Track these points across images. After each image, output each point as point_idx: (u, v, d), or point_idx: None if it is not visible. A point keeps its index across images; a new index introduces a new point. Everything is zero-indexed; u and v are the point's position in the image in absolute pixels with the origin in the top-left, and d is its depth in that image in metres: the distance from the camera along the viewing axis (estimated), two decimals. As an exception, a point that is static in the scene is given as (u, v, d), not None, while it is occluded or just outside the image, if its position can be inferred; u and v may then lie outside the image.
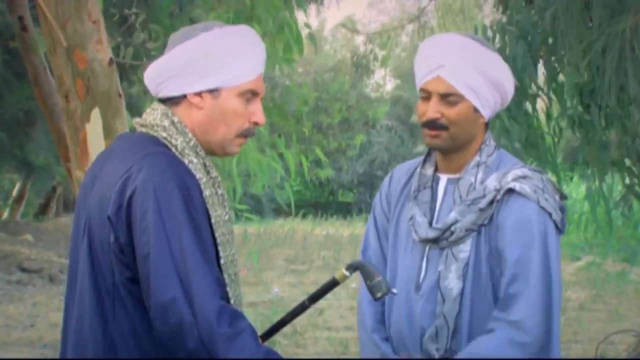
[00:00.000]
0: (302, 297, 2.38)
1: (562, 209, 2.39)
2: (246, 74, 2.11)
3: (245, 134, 2.15)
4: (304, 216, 23.20)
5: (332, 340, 7.90)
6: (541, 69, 5.65)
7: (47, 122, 5.81)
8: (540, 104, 5.86)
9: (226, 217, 2.12)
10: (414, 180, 2.52)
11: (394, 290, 2.25)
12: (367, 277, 2.23)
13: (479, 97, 2.38)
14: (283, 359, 1.98)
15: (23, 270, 11.35)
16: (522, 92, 5.33)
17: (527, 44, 5.30)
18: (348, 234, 18.13)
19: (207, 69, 2.07)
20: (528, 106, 5.61)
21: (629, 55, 4.63)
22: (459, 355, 2.28)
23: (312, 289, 2.37)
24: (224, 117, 2.11)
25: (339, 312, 9.33)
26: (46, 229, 16.06)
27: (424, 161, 2.54)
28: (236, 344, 1.90)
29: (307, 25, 7.02)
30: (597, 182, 5.70)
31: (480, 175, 2.41)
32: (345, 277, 2.27)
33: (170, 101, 2.12)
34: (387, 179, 2.64)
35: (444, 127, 2.38)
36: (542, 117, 5.83)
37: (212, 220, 2.04)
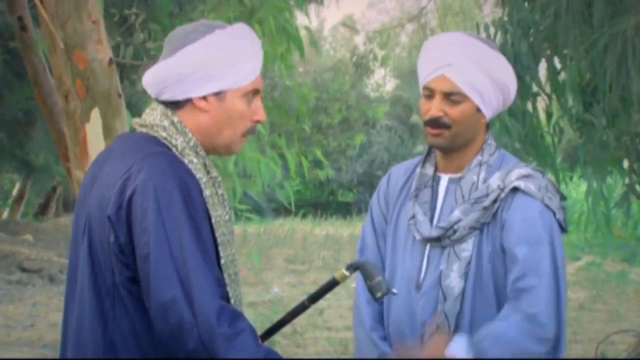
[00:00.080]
0: (302, 297, 2.38)
1: (563, 209, 2.40)
2: (249, 74, 2.12)
3: (248, 133, 2.16)
4: (304, 216, 23.20)
5: (332, 340, 7.90)
6: (542, 69, 5.65)
7: (47, 122, 5.81)
8: (541, 103, 5.85)
9: (226, 217, 2.12)
10: (414, 179, 2.52)
11: (394, 290, 2.25)
12: (367, 276, 2.23)
13: (483, 97, 2.39)
14: (283, 359, 1.98)
15: (23, 270, 11.35)
16: (522, 91, 5.33)
17: (529, 43, 5.30)
18: (348, 234, 18.13)
19: (213, 73, 2.07)
20: (528, 105, 5.61)
21: (631, 55, 4.63)
22: (481, 332, 2.26)
23: (312, 289, 2.37)
24: (230, 119, 2.11)
25: (339, 312, 9.33)
26: (46, 229, 16.05)
27: (424, 161, 2.54)
28: (236, 344, 1.90)
29: (308, 29, 7.02)
30: (596, 182, 5.70)
31: (482, 175, 2.42)
32: (345, 277, 2.27)
33: (173, 104, 2.11)
34: (384, 179, 2.64)
35: (447, 126, 2.39)
36: (542, 116, 5.83)
37: (213, 220, 2.04)
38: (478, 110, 2.40)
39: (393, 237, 2.53)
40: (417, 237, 2.44)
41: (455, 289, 2.36)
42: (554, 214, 2.34)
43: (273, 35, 5.91)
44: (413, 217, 2.46)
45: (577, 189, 17.17)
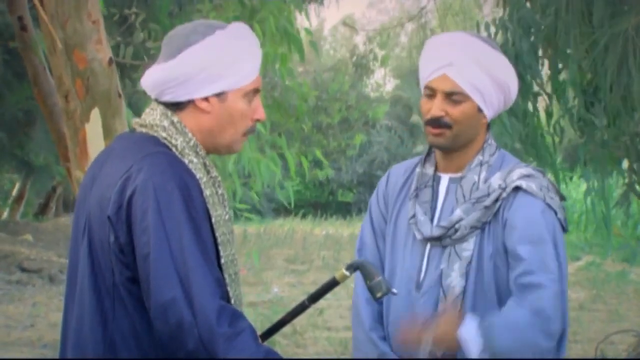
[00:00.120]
0: (302, 297, 2.37)
1: (563, 209, 2.41)
2: (249, 74, 2.12)
3: (248, 132, 2.16)
4: (304, 216, 23.19)
5: (332, 340, 7.90)
6: (543, 68, 5.65)
7: (47, 122, 5.81)
8: (541, 103, 5.86)
9: (226, 217, 2.12)
10: (414, 179, 2.52)
11: (394, 290, 2.25)
12: (367, 276, 2.23)
13: (484, 98, 2.39)
14: (283, 359, 1.98)
15: (23, 270, 11.34)
16: (523, 90, 5.33)
17: (530, 42, 5.30)
18: (348, 234, 18.12)
19: (215, 74, 2.07)
20: (529, 105, 5.61)
21: (631, 55, 4.64)
22: (490, 318, 2.26)
23: (312, 289, 2.37)
24: (232, 119, 2.11)
25: (339, 312, 9.33)
26: (46, 229, 16.05)
27: (424, 161, 2.54)
28: (236, 344, 1.90)
29: (308, 32, 7.01)
30: (595, 182, 5.70)
31: (483, 174, 2.43)
32: (345, 277, 2.27)
33: (174, 106, 2.11)
34: (383, 178, 2.64)
35: (448, 126, 2.39)
36: (543, 116, 5.84)
37: (213, 220, 2.04)
38: (479, 110, 2.41)
39: (392, 237, 2.53)
40: (418, 236, 2.44)
41: (456, 288, 2.36)
42: (556, 213, 2.35)
43: (274, 34, 5.90)
44: (414, 216, 2.46)
45: (577, 189, 17.16)
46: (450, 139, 2.41)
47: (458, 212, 2.39)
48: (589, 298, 10.55)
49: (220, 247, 2.06)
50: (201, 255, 1.95)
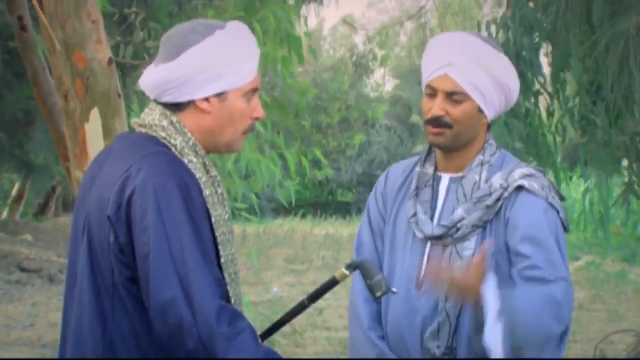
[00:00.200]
0: (302, 297, 2.37)
1: (563, 209, 2.42)
2: (249, 74, 2.12)
3: (248, 131, 2.16)
4: (304, 216, 23.18)
5: (331, 340, 7.90)
6: (545, 68, 5.65)
7: (47, 122, 5.82)
8: (543, 102, 5.86)
9: (226, 217, 2.12)
10: (414, 179, 2.53)
11: (394, 290, 2.25)
12: (367, 276, 2.23)
13: (485, 98, 2.40)
14: (283, 359, 1.98)
15: (23, 270, 11.34)
16: (525, 89, 5.33)
17: (531, 40, 5.30)
18: (348, 234, 18.11)
19: (215, 74, 2.07)
20: (530, 104, 5.61)
21: (633, 55, 4.64)
22: (508, 289, 2.26)
23: (312, 289, 2.36)
24: (232, 118, 2.12)
25: (339, 312, 9.32)
26: (45, 229, 16.04)
27: (425, 160, 2.54)
28: (236, 344, 1.90)
29: (307, 35, 7.00)
30: (594, 181, 5.70)
31: (485, 174, 2.43)
32: (345, 277, 2.27)
33: (174, 106, 2.11)
34: (382, 178, 2.65)
35: (448, 126, 2.40)
36: (544, 115, 5.84)
37: (213, 220, 2.04)
38: (480, 111, 2.42)
39: (392, 237, 2.53)
40: (419, 235, 2.44)
41: (457, 288, 2.36)
42: (558, 212, 2.37)
43: (275, 33, 5.90)
44: (414, 215, 2.46)
45: (577, 189, 17.16)
46: (450, 138, 2.41)
47: (460, 212, 2.39)
48: (589, 298, 10.54)
49: (220, 247, 2.05)
50: (201, 255, 1.95)
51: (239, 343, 1.90)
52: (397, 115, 27.39)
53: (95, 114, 3.98)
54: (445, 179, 2.49)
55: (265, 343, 2.09)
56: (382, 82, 30.59)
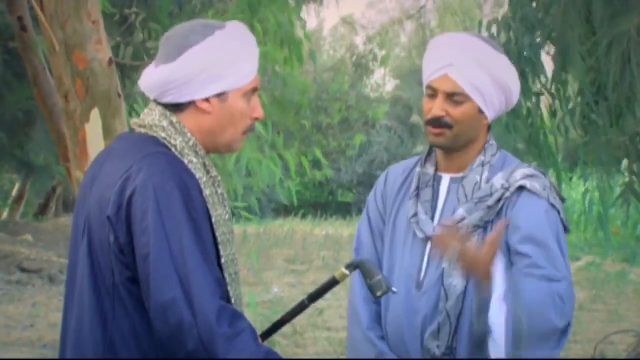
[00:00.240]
0: (302, 297, 2.37)
1: (563, 210, 2.42)
2: (248, 74, 2.12)
3: (248, 131, 2.16)
4: (304, 216, 23.18)
5: (331, 340, 7.90)
6: (546, 68, 5.65)
7: (47, 122, 5.81)
8: (544, 102, 5.86)
9: (226, 216, 2.12)
10: (414, 178, 2.53)
11: (394, 289, 2.25)
12: (367, 275, 2.23)
13: (485, 99, 2.40)
14: (283, 359, 1.98)
15: (23, 270, 11.33)
16: (525, 89, 5.33)
17: (532, 39, 5.31)
18: (347, 234, 18.10)
19: (215, 74, 2.07)
20: (531, 104, 5.61)
21: (634, 55, 4.64)
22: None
23: (312, 289, 2.36)
24: (232, 118, 2.12)
25: (339, 312, 9.32)
26: (45, 229, 16.04)
27: (425, 160, 2.55)
28: (236, 344, 1.90)
29: (307, 37, 7.00)
30: (594, 181, 5.70)
31: (485, 174, 2.43)
32: (345, 276, 2.27)
33: (174, 107, 2.11)
34: (381, 178, 2.65)
35: (448, 126, 2.40)
36: (545, 114, 5.84)
37: (213, 220, 2.04)
38: (480, 111, 2.42)
39: (391, 236, 2.53)
40: (420, 235, 2.44)
41: (457, 287, 2.37)
42: (559, 212, 2.37)
43: (275, 33, 5.90)
44: (415, 215, 2.46)
45: (577, 189, 17.16)
46: (450, 138, 2.41)
47: (460, 212, 2.39)
48: (589, 298, 10.54)
49: (220, 247, 2.05)
50: (201, 255, 1.95)
51: (239, 343, 1.90)
52: (397, 115, 27.39)
53: (95, 114, 3.99)
54: (446, 178, 2.49)
55: (265, 343, 2.09)
56: (382, 82, 30.59)
